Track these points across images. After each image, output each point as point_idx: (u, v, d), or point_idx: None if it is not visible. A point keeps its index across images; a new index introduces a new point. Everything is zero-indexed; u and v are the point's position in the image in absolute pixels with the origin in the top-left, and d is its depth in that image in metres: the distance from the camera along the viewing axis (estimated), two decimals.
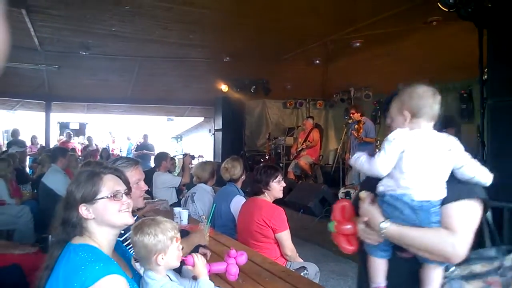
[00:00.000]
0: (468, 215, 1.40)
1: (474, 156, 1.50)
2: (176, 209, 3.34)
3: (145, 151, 11.45)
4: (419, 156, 1.40)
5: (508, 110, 3.49)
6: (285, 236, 2.90)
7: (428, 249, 1.37)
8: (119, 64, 8.59)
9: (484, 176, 1.43)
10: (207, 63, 8.74)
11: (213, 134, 10.78)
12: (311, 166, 8.16)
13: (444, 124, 4.43)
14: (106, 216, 1.43)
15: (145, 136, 11.91)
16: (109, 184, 1.47)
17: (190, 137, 15.69)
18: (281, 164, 9.11)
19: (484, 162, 3.83)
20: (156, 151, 12.04)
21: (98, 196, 1.43)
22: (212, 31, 6.92)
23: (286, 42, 7.40)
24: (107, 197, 1.44)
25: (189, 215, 3.36)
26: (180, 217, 3.24)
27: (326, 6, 5.61)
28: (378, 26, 6.19)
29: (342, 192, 5.78)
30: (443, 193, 1.41)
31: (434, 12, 5.23)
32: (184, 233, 2.58)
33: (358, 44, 7.13)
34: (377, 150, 7.02)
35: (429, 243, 1.37)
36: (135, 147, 12.01)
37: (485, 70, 3.85)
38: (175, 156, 14.01)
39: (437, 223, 1.39)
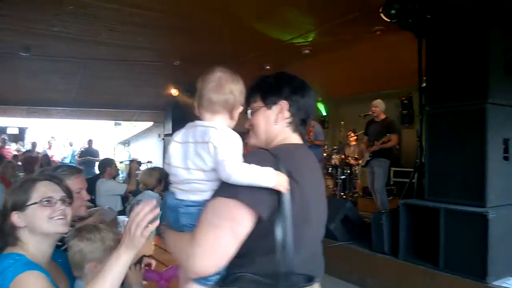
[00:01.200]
0: (213, 220, 1.08)
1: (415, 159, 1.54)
2: (121, 218, 3.21)
3: (89, 157, 10.96)
4: (171, 149, 1.26)
5: (443, 116, 3.73)
6: None
7: (178, 259, 1.18)
8: (62, 66, 8.18)
9: (247, 177, 1.08)
10: (157, 66, 8.54)
11: (163, 139, 10.55)
12: None
13: (387, 129, 4.66)
14: (36, 223, 1.37)
15: (90, 142, 11.42)
16: (41, 190, 1.41)
17: (138, 143, 15.26)
18: None
19: (422, 165, 4.05)
20: (101, 157, 11.61)
21: (29, 203, 1.38)
22: (162, 35, 6.78)
23: (237, 48, 7.42)
24: (36, 203, 1.38)
25: None
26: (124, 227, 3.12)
27: (275, 14, 5.70)
28: (326, 34, 6.37)
29: None
30: (205, 193, 1.17)
31: (378, 22, 5.45)
32: None
33: (307, 52, 7.30)
34: (324, 154, 7.26)
35: (175, 252, 1.20)
36: (79, 153, 11.45)
37: (424, 78, 4.07)
38: (122, 162, 13.61)
39: (190, 227, 1.14)
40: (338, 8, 5.39)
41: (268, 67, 8.64)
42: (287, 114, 1.29)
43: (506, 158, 3.50)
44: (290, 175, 1.10)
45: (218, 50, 7.53)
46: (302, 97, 1.31)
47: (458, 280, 3.35)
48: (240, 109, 1.31)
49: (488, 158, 3.33)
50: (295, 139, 1.32)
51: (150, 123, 12.74)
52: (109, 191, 4.80)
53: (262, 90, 1.34)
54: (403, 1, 4.04)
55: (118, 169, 5.64)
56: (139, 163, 5.21)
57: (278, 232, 1.07)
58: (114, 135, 16.15)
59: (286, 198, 1.07)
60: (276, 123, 1.30)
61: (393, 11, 3.99)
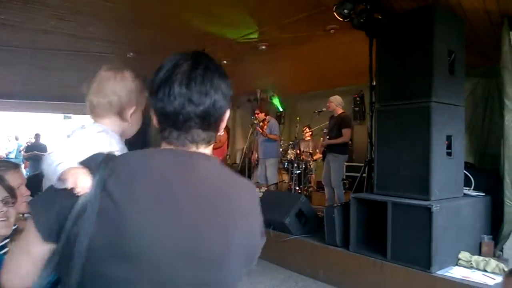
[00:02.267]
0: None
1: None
2: None
3: (36, 152, 10.43)
4: None
5: (391, 113, 3.89)
6: None
7: None
8: (6, 55, 7.70)
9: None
10: (109, 58, 8.25)
11: None
12: None
13: (339, 124, 4.79)
14: None
15: (37, 136, 10.87)
16: None
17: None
18: None
19: (372, 160, 4.21)
20: (49, 152, 11.09)
21: None
22: (115, 26, 6.57)
23: (193, 41, 7.32)
24: None
25: None
26: None
27: (232, 9, 5.69)
28: (282, 31, 6.43)
29: None
30: None
31: (332, 21, 5.58)
32: None
33: (263, 47, 7.34)
34: (281, 149, 7.35)
35: None
36: (25, 147, 10.87)
37: (374, 76, 4.22)
38: None
39: None
40: (294, 6, 5.47)
41: (225, 61, 8.63)
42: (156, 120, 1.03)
43: (449, 154, 3.71)
44: (104, 187, 0.82)
45: (174, 43, 7.40)
46: (155, 97, 0.97)
47: (405, 270, 3.51)
48: (134, 109, 1.18)
49: (432, 154, 3.51)
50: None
51: None
52: None
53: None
54: (355, 1, 4.16)
55: None
56: None
57: (52, 261, 0.85)
58: (64, 129, 15.43)
59: (74, 215, 0.81)
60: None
61: (345, 11, 4.09)
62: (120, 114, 1.18)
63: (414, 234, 3.49)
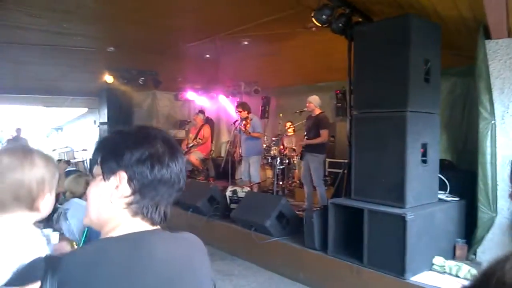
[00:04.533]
0: None
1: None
2: (46, 231, 3.07)
3: None
4: None
5: (369, 120, 3.92)
6: None
7: None
8: None
9: None
10: (88, 52, 8.10)
11: (98, 126, 10.12)
12: (202, 161, 8.19)
13: (317, 125, 4.81)
14: None
15: (18, 130, 10.72)
16: None
17: (74, 127, 14.48)
18: None
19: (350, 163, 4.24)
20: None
21: None
22: (92, 22, 6.45)
23: (174, 36, 7.25)
24: None
25: (61, 235, 3.12)
26: (50, 240, 2.99)
27: (214, 5, 5.64)
28: (264, 28, 6.39)
29: (230, 191, 5.91)
30: None
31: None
32: None
33: (246, 43, 7.30)
34: (264, 145, 7.37)
35: None
36: (6, 142, 10.71)
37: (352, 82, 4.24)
38: (54, 150, 12.87)
39: None
40: (274, 5, 5.44)
41: (207, 56, 8.56)
42: (126, 190, 0.95)
43: (424, 161, 3.77)
44: None
45: (154, 38, 7.32)
46: (152, 169, 0.95)
47: (380, 276, 3.60)
48: (48, 198, 1.10)
49: (407, 162, 3.56)
50: (137, 225, 0.97)
51: (85, 109, 12.13)
52: None
53: (104, 150, 1.00)
54: (334, 6, 4.13)
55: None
56: (68, 163, 4.95)
57: None
58: (47, 120, 15.19)
59: None
60: (111, 201, 0.96)
61: (324, 17, 4.08)
62: (30, 207, 1.06)
63: (389, 241, 3.56)
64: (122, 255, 0.87)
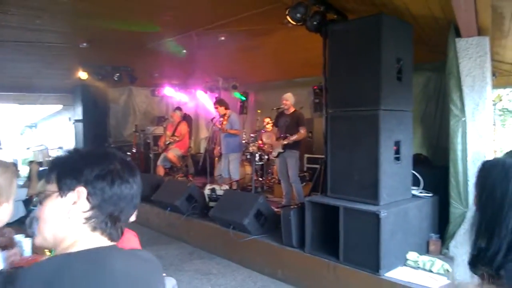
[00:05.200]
0: None
1: None
2: (18, 237, 2.98)
3: None
4: None
5: (343, 119, 3.96)
6: None
7: None
8: None
9: None
10: (61, 48, 7.89)
11: (74, 123, 9.91)
12: (181, 158, 8.13)
13: (297, 123, 4.81)
14: None
15: None
16: None
17: (48, 124, 14.12)
18: (150, 155, 8.88)
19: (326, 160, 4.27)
20: (3, 145, 10.63)
21: None
22: (64, 18, 6.29)
23: (149, 32, 7.12)
24: None
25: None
26: (23, 247, 2.91)
27: (191, 1, 5.57)
28: (241, 23, 6.34)
29: (208, 189, 5.88)
30: None
31: None
32: None
33: (222, 38, 7.23)
34: (243, 141, 7.35)
35: None
36: None
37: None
38: (28, 148, 12.54)
39: None
40: (253, 0, 5.40)
41: (184, 51, 8.46)
42: (85, 206, 0.96)
43: (397, 159, 3.83)
44: None
45: (128, 33, 7.18)
46: (112, 184, 0.98)
47: (356, 272, 3.65)
48: (4, 207, 1.11)
49: (380, 160, 3.61)
50: (96, 240, 0.97)
51: (60, 106, 11.85)
52: None
53: (61, 168, 1.00)
54: (308, 4, 4.12)
55: (18, 171, 5.18)
56: (40, 164, 4.83)
57: None
58: (20, 117, 14.77)
59: None
60: (69, 217, 0.96)
61: (298, 15, 4.07)
62: None
63: (364, 238, 3.62)
64: (82, 271, 0.86)
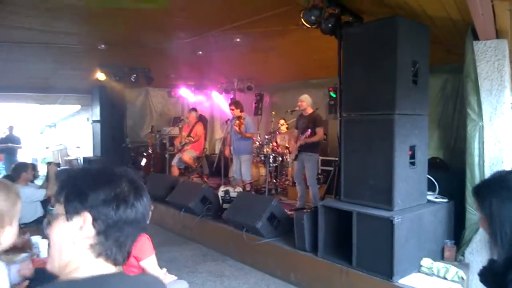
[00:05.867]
0: None
1: None
2: (34, 239, 3.06)
3: (10, 144, 10.31)
4: None
5: (357, 123, 3.92)
6: (149, 263, 2.85)
7: None
8: None
9: None
10: (79, 49, 8.05)
11: (92, 123, 10.09)
12: (196, 159, 8.18)
13: (312, 124, 4.76)
14: None
15: (11, 128, 10.67)
16: None
17: (67, 123, 14.39)
18: (166, 156, 8.97)
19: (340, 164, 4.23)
20: (23, 144, 10.90)
21: None
22: (82, 20, 6.40)
23: (166, 34, 7.20)
24: None
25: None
26: (39, 248, 2.99)
27: (207, 4, 5.60)
28: (258, 25, 6.36)
29: (222, 191, 5.91)
30: None
31: None
32: (43, 275, 2.40)
33: (238, 40, 7.25)
34: (256, 143, 7.35)
35: None
36: None
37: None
38: (47, 147, 12.82)
39: None
40: (269, 2, 5.40)
41: (200, 52, 8.51)
42: (90, 231, 0.95)
43: (412, 163, 3.77)
44: None
45: (146, 35, 7.27)
46: (117, 209, 0.96)
47: (369, 278, 3.61)
48: (8, 230, 1.09)
49: (395, 165, 3.56)
50: (100, 266, 0.96)
51: (78, 106, 12.07)
52: (27, 198, 4.53)
53: (69, 189, 0.98)
54: (324, 7, 4.10)
55: (37, 171, 5.29)
56: (58, 165, 4.93)
57: None
58: (40, 117, 15.09)
59: None
60: (74, 242, 0.95)
61: (312, 17, 4.05)
62: None
63: (378, 244, 3.57)
64: None
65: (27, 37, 7.13)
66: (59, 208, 0.97)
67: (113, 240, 0.96)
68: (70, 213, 0.95)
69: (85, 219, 0.94)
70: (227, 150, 7.29)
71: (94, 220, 0.94)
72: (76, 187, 0.97)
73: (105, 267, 0.96)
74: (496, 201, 1.32)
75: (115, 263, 0.98)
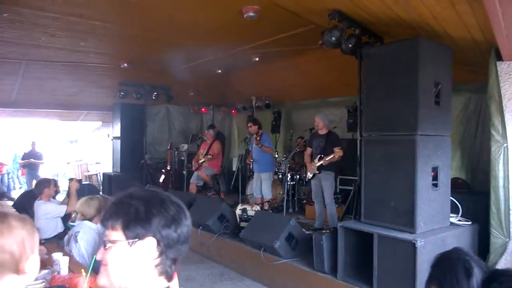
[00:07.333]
0: None
1: None
2: (55, 255, 3.10)
3: (32, 160, 10.54)
4: None
5: (378, 143, 3.88)
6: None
7: None
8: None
9: None
10: (103, 68, 8.28)
11: (112, 139, 10.26)
12: (213, 177, 8.21)
13: (332, 143, 4.74)
14: None
15: (33, 144, 10.93)
16: None
17: (87, 139, 14.68)
18: (184, 172, 9.02)
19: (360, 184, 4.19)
20: (45, 160, 11.14)
21: None
22: (107, 40, 6.60)
23: (186, 53, 7.34)
24: None
25: (71, 258, 3.15)
26: (59, 265, 3.02)
27: (227, 29, 5.70)
28: (277, 44, 6.43)
29: (240, 209, 5.89)
30: None
31: None
32: None
33: (257, 59, 7.33)
34: (276, 155, 7.32)
35: None
36: (22, 155, 10.95)
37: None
38: (68, 163, 13.05)
39: None
40: (288, 22, 5.46)
41: (219, 71, 8.64)
42: (154, 253, 1.03)
43: (435, 185, 3.70)
44: None
45: (166, 55, 7.43)
46: (175, 231, 1.04)
47: None
48: (32, 259, 1.11)
49: (417, 187, 3.50)
50: (162, 284, 1.06)
51: (99, 123, 12.32)
52: (48, 214, 4.61)
53: (126, 216, 1.02)
54: (344, 28, 4.12)
55: (58, 187, 5.37)
56: (80, 181, 5.01)
57: None
58: (61, 133, 15.42)
59: None
60: (139, 265, 1.02)
61: (333, 38, 4.06)
62: (16, 270, 1.05)
63: (399, 267, 3.49)
64: None
65: (55, 56, 7.36)
66: (113, 235, 1.02)
67: (171, 258, 1.06)
68: (132, 238, 1.01)
69: (150, 243, 1.02)
70: (248, 159, 7.33)
71: (158, 242, 1.02)
72: (133, 213, 1.02)
73: (163, 284, 1.05)
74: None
75: (168, 278, 1.07)
